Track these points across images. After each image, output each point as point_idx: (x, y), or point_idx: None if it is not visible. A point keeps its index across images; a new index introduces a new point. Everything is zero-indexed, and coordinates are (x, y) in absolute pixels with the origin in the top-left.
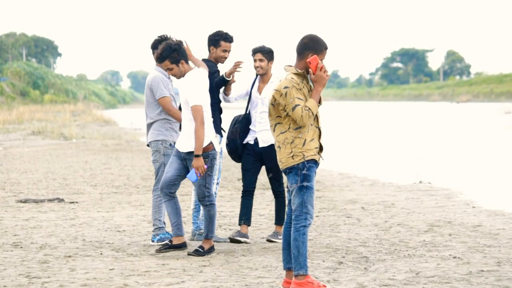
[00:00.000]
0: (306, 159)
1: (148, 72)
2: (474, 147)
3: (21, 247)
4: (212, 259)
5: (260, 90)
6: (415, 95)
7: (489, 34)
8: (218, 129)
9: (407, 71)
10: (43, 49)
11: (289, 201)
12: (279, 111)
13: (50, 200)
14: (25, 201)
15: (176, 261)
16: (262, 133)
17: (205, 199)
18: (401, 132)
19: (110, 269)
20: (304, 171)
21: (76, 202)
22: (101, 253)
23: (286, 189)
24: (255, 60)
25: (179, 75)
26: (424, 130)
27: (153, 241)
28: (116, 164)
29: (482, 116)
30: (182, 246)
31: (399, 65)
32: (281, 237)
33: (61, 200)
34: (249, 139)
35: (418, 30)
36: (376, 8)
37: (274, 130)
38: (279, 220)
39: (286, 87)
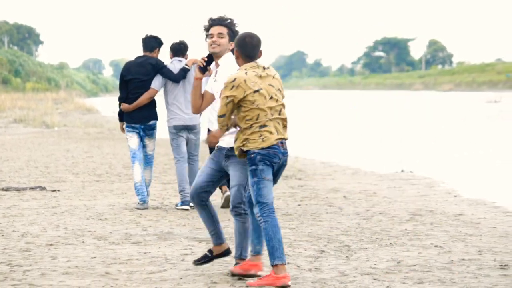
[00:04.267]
0: None
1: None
2: (456, 136)
3: (3, 235)
4: (194, 247)
5: None
6: (397, 84)
7: (471, 24)
8: None
9: (389, 60)
10: (24, 37)
11: None
12: None
13: (32, 188)
14: (7, 189)
15: (158, 249)
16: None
17: (241, 206)
18: (383, 121)
19: (92, 257)
20: None
21: (58, 191)
22: (83, 241)
23: None
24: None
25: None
26: (406, 119)
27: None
28: (98, 152)
29: (464, 105)
30: (225, 254)
31: (381, 54)
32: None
33: (43, 188)
34: None
35: (400, 19)
36: None
37: None
38: None
39: None
